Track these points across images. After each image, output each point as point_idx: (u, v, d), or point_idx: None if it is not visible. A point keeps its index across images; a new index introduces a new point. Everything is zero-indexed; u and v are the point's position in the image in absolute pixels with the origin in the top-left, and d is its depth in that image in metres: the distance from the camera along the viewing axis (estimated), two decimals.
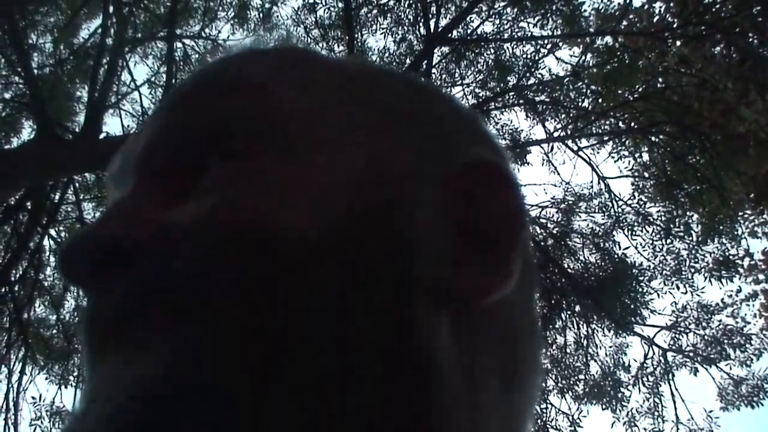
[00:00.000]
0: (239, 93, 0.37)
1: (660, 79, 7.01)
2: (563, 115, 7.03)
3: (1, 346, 6.33)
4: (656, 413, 7.06)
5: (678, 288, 7.00)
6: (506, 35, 6.89)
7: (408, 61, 6.60)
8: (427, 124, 0.39)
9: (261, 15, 7.26)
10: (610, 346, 7.15)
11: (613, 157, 7.16)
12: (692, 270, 6.95)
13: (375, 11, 6.69)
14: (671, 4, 6.97)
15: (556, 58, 7.05)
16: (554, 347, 6.84)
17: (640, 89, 6.97)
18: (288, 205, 0.32)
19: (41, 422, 6.51)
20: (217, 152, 0.35)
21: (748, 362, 7.09)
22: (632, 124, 7.03)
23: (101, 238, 0.32)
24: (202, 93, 0.38)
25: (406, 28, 6.77)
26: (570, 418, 6.76)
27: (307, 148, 0.35)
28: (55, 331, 6.85)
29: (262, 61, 0.40)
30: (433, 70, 6.66)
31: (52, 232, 6.68)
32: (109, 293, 0.32)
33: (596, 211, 7.04)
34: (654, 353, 7.10)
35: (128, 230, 0.32)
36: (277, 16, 7.28)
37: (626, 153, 7.15)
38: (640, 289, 6.86)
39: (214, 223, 0.32)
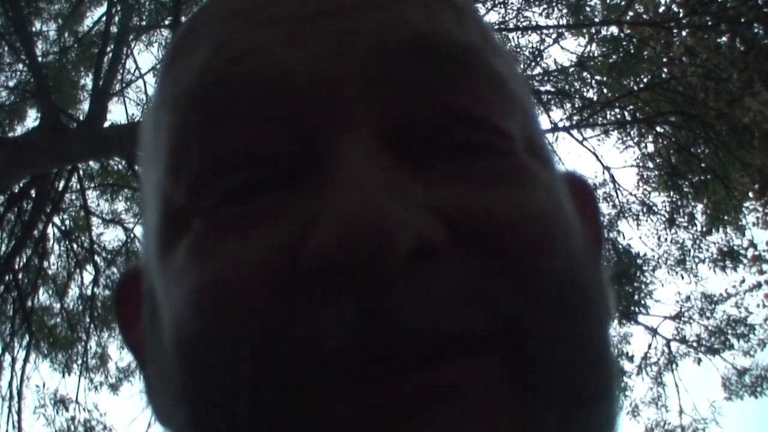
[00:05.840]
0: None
1: (665, 70, 7.00)
2: (568, 105, 7.01)
3: (5, 334, 6.33)
4: (660, 403, 7.08)
5: (682, 278, 7.01)
6: (511, 25, 6.88)
7: None
8: None
9: None
10: (614, 336, 7.15)
11: (617, 148, 7.16)
12: (696, 260, 6.96)
13: None
14: None
15: (561, 47, 7.05)
16: None
17: (645, 79, 6.95)
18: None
19: (45, 410, 6.53)
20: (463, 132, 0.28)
21: (752, 352, 7.12)
22: (637, 114, 7.02)
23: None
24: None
25: None
26: None
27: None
28: (59, 319, 6.86)
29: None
30: None
31: (56, 219, 6.68)
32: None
33: (601, 201, 7.04)
34: (658, 343, 7.12)
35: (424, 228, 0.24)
36: None
37: (631, 143, 7.15)
38: (644, 279, 6.86)
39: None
